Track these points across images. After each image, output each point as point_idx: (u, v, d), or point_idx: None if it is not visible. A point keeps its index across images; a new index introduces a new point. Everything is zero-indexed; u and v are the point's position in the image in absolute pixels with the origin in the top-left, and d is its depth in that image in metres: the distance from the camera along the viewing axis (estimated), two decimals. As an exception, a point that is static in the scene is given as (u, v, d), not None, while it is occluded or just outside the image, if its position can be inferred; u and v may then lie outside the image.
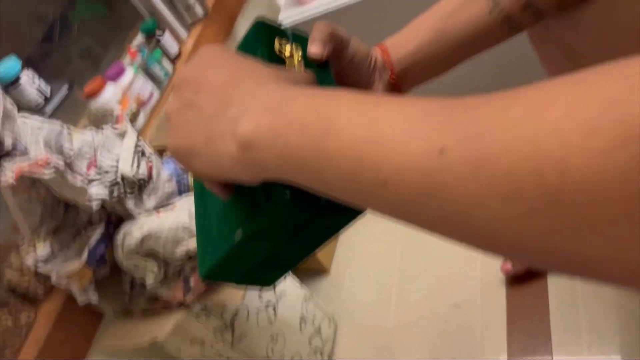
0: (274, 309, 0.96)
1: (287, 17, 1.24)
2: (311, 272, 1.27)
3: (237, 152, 0.30)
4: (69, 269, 0.80)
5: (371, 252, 1.24)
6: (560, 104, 0.19)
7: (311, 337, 1.05)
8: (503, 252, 0.22)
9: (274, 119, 0.29)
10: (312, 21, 1.20)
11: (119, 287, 0.90)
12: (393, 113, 0.25)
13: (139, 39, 1.31)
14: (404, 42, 0.55)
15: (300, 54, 0.45)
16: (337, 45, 0.47)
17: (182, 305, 0.83)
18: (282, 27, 0.44)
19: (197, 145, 0.33)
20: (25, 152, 0.68)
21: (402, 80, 0.55)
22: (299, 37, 0.46)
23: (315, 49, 0.45)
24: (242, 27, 1.42)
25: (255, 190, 0.36)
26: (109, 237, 0.84)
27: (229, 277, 0.44)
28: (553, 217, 0.19)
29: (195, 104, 0.33)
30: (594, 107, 0.18)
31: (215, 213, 0.42)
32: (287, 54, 0.43)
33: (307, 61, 0.45)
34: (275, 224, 0.36)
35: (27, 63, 1.38)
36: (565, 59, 0.59)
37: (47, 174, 0.66)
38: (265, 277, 0.46)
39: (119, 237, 0.80)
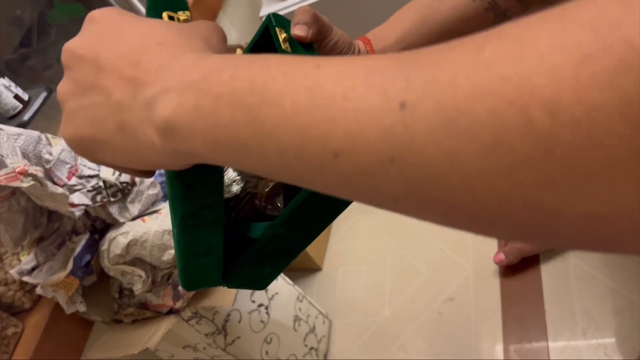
0: (267, 310, 0.95)
1: (269, 11, 1.23)
2: (304, 270, 1.26)
3: (158, 140, 0.25)
4: (54, 279, 0.78)
5: (363, 247, 1.23)
6: (544, 35, 0.16)
7: (306, 336, 1.04)
8: (481, 221, 0.18)
9: (199, 96, 0.24)
10: (292, 15, 1.19)
11: (107, 294, 0.89)
12: (339, 72, 0.21)
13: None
14: (386, 34, 0.54)
15: (284, 36, 0.43)
16: (321, 28, 0.46)
17: (172, 311, 0.81)
18: None
19: (106, 135, 0.28)
20: (1, 162, 0.66)
21: None
22: (281, 21, 0.46)
23: (299, 30, 0.44)
24: (223, 23, 1.39)
25: None
26: (94, 245, 0.82)
27: (211, 281, 0.42)
28: (544, 168, 0.16)
29: (97, 87, 0.27)
30: (585, 32, 0.15)
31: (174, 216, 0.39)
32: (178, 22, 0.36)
33: (293, 43, 0.44)
34: (185, 203, 0.32)
35: (5, 68, 1.35)
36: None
37: (25, 183, 0.64)
38: (256, 276, 0.44)
39: (104, 244, 0.78)
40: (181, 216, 0.33)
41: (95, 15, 0.30)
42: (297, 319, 1.02)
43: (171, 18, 0.34)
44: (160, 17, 0.33)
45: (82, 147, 0.29)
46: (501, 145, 0.16)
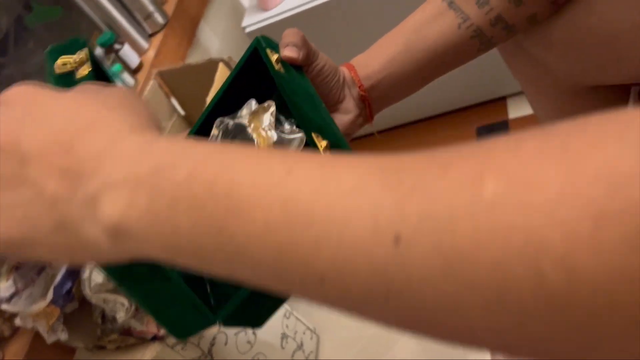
0: (253, 330, 0.94)
1: (251, 22, 1.21)
2: (290, 285, 1.25)
3: (106, 242, 0.22)
4: (34, 309, 0.76)
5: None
6: (550, 179, 0.15)
7: (294, 353, 1.03)
8: (480, 349, 0.18)
9: (152, 196, 0.21)
10: (275, 26, 1.17)
11: (89, 320, 0.87)
12: (314, 182, 0.19)
13: (98, 52, 1.26)
14: (370, 60, 0.53)
15: (276, 56, 0.43)
16: (308, 52, 0.45)
17: (156, 337, 0.80)
18: (78, 44, 0.35)
19: (40, 235, 0.24)
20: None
21: (373, 99, 0.53)
22: (270, 43, 0.45)
23: (289, 52, 0.44)
24: (205, 33, 1.37)
25: None
26: (75, 271, 0.80)
27: (199, 324, 0.41)
28: (556, 325, 0.15)
29: (24, 180, 0.24)
30: (597, 185, 0.14)
31: None
32: (74, 65, 0.34)
33: (285, 65, 0.44)
34: (108, 267, 0.31)
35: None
36: (536, 73, 0.58)
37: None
38: (254, 312, 0.42)
39: (85, 272, 0.76)
40: (114, 277, 0.31)
41: (8, 96, 0.26)
42: (284, 336, 1.01)
43: (65, 64, 0.32)
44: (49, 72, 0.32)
45: (11, 247, 0.25)
46: (509, 298, 0.15)
